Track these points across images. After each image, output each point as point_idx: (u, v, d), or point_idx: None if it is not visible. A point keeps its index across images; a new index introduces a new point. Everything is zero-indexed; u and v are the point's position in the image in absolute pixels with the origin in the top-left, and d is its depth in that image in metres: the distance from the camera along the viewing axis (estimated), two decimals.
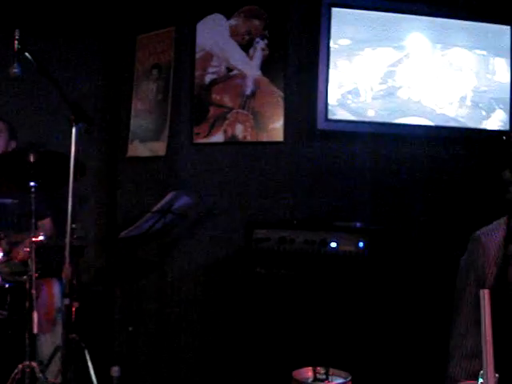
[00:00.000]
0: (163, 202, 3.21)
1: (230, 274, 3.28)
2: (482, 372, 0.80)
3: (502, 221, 1.64)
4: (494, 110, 3.34)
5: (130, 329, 3.43)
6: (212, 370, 3.40)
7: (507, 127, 3.36)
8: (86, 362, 2.89)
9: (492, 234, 1.61)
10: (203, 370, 3.46)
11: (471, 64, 3.35)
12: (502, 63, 3.36)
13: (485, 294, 0.83)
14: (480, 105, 3.32)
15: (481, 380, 0.80)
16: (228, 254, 3.39)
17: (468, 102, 3.33)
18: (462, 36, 3.33)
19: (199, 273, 3.53)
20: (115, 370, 3.16)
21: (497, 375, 0.79)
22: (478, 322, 1.55)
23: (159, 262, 3.65)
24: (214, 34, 3.52)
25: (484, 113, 3.33)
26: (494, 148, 3.47)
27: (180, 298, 3.61)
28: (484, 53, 3.36)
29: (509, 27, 3.37)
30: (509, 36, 3.36)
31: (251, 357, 2.84)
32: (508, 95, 3.35)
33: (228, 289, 3.29)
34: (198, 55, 3.54)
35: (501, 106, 3.33)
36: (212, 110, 3.47)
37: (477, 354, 1.53)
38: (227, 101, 3.43)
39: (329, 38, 3.17)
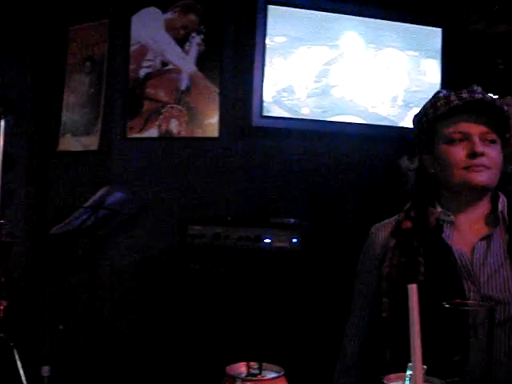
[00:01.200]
0: (95, 197, 3.16)
1: (164, 271, 3.25)
2: (410, 364, 0.81)
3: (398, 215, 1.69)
4: None
5: (61, 327, 3.35)
6: (146, 368, 3.37)
7: None
8: (15, 362, 2.81)
9: (383, 228, 1.66)
10: (137, 367, 3.42)
11: (403, 64, 3.42)
12: (432, 64, 3.45)
13: (413, 288, 0.84)
14: (411, 104, 3.40)
15: (409, 371, 0.82)
16: (162, 250, 3.35)
17: (399, 102, 3.41)
18: (395, 37, 3.41)
19: (132, 269, 3.48)
20: (45, 370, 3.08)
21: (425, 367, 0.81)
22: (363, 308, 1.63)
23: (91, 258, 3.58)
24: (149, 28, 3.47)
25: (415, 112, 3.41)
26: None
27: (112, 295, 3.55)
28: (416, 54, 3.44)
29: (440, 29, 3.46)
30: (440, 38, 3.45)
31: (185, 353, 2.82)
32: None
33: (162, 285, 3.26)
34: (132, 48, 3.48)
35: None
36: (146, 105, 3.43)
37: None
38: (162, 95, 3.39)
39: (265, 35, 3.18)
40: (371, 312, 1.60)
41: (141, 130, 3.44)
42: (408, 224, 1.59)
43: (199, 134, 3.36)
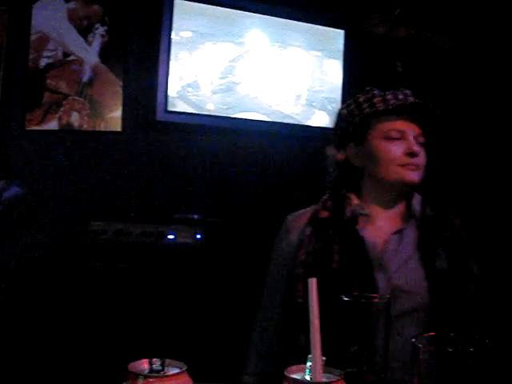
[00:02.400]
0: None
1: (65, 268, 3.16)
2: (310, 356, 0.83)
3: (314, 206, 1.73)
4: (326, 108, 3.51)
5: None
6: (47, 367, 3.26)
7: None
8: None
9: (299, 217, 1.69)
10: (37, 367, 3.31)
11: (307, 64, 3.49)
12: (335, 65, 3.53)
13: (312, 282, 0.86)
14: (314, 103, 3.48)
15: (309, 363, 0.83)
16: (62, 247, 3.26)
17: (303, 101, 3.47)
18: (299, 37, 3.46)
19: (31, 267, 3.36)
20: None
21: (324, 358, 0.83)
22: (277, 291, 1.66)
23: None
24: (50, 17, 3.35)
25: (317, 111, 3.49)
26: (326, 145, 3.65)
27: (9, 294, 3.42)
28: (319, 54, 3.51)
29: (342, 31, 3.55)
30: (342, 39, 3.55)
31: (88, 352, 2.76)
32: (339, 95, 3.54)
33: (62, 283, 3.16)
34: (32, 38, 3.36)
35: (333, 105, 3.51)
36: (46, 96, 3.31)
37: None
38: (63, 87, 3.29)
39: (170, 29, 3.15)
40: (285, 298, 1.63)
41: (40, 123, 3.32)
42: (325, 214, 1.63)
43: (101, 127, 3.28)
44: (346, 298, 1.01)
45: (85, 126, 3.28)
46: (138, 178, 3.28)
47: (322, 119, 3.51)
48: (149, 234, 2.83)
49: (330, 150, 1.79)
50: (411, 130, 1.60)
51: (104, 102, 3.27)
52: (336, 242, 1.55)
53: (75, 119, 3.27)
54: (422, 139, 1.61)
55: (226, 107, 3.29)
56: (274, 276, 1.72)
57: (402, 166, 1.57)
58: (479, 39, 3.95)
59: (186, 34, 3.21)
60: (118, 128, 3.27)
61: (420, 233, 1.61)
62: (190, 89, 3.23)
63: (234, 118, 3.31)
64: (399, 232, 1.61)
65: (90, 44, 3.29)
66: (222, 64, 3.30)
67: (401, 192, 1.65)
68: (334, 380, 0.82)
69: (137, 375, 0.84)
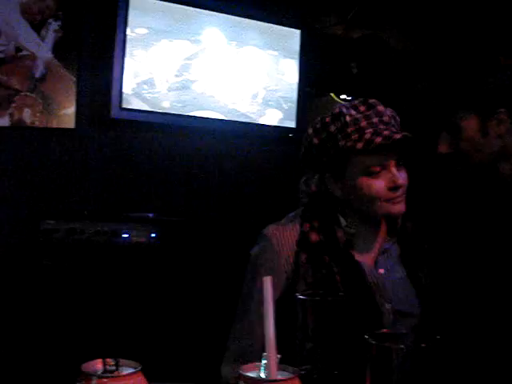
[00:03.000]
0: None
1: (16, 268, 3.09)
2: (265, 354, 0.83)
3: (294, 216, 1.65)
4: (282, 107, 3.52)
5: None
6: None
7: (293, 125, 3.57)
8: None
9: (284, 236, 1.58)
10: None
11: (263, 63, 3.50)
12: (291, 64, 3.55)
13: (267, 281, 0.86)
14: (270, 102, 3.49)
15: (264, 360, 0.83)
16: (13, 246, 3.19)
17: (259, 100, 3.48)
18: (256, 36, 3.47)
19: None
20: None
21: (279, 356, 0.83)
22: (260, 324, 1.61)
23: None
24: (3, 11, 3.28)
25: (273, 110, 3.50)
26: (282, 144, 3.68)
27: None
28: (275, 53, 3.53)
29: (299, 31, 3.58)
30: (298, 39, 3.57)
31: (40, 352, 2.71)
32: (295, 95, 3.56)
33: (13, 284, 3.10)
34: None
35: (288, 104, 3.53)
36: None
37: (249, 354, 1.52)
38: (15, 82, 3.22)
39: (126, 26, 3.11)
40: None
41: None
42: (315, 237, 1.55)
43: (54, 124, 3.23)
44: (300, 296, 1.01)
45: (37, 123, 3.22)
46: (92, 176, 3.23)
47: (278, 118, 3.53)
48: (103, 232, 2.80)
49: (304, 183, 1.71)
50: (392, 159, 1.51)
51: (57, 99, 3.22)
52: (336, 271, 1.50)
53: (27, 116, 3.21)
54: (401, 162, 1.54)
55: (181, 105, 3.27)
56: (254, 296, 1.58)
57: (387, 201, 1.51)
58: (432, 40, 4.02)
59: (142, 31, 3.18)
60: (72, 125, 3.22)
61: (402, 248, 1.62)
62: (145, 86, 3.20)
63: (190, 116, 3.30)
64: (385, 252, 1.61)
65: (43, 39, 3.23)
66: (178, 62, 3.28)
67: (386, 219, 1.62)
68: (289, 377, 0.82)
69: (90, 376, 0.82)
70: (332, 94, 4.70)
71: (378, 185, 1.50)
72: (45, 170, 3.23)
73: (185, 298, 2.83)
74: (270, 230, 1.62)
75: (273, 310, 0.85)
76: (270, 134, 3.57)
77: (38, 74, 3.22)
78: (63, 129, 3.23)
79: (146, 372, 0.87)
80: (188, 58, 3.30)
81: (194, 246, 3.03)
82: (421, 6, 3.74)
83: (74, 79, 3.22)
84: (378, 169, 1.50)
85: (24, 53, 3.23)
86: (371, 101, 1.60)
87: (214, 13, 3.36)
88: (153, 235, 2.79)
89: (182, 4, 3.26)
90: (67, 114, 3.22)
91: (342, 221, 1.59)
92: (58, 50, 3.22)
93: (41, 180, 3.22)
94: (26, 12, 3.25)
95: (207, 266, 3.08)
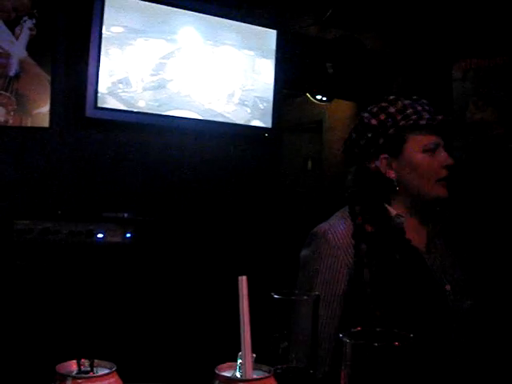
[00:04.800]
0: None
1: None
2: (240, 353, 0.83)
3: (341, 215, 1.67)
4: (258, 107, 3.53)
5: None
6: None
7: (269, 124, 3.58)
8: None
9: (338, 232, 1.61)
10: None
11: (239, 63, 3.50)
12: (267, 64, 3.56)
13: (243, 280, 0.86)
14: (246, 102, 3.49)
15: (240, 360, 0.83)
16: None
17: (235, 99, 3.48)
18: (232, 35, 3.48)
19: None
20: None
21: (254, 355, 0.83)
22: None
23: None
24: None
25: (249, 110, 3.51)
26: (258, 143, 3.69)
27: None
28: (251, 53, 3.53)
29: (275, 31, 3.58)
30: (274, 39, 3.58)
31: (14, 354, 2.68)
32: (271, 95, 3.57)
33: None
34: None
35: (264, 104, 3.54)
36: None
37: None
38: None
39: (101, 24, 3.10)
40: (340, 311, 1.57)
41: None
42: (370, 228, 1.59)
43: (28, 123, 3.19)
44: (275, 296, 1.02)
45: (11, 122, 3.18)
46: (66, 176, 3.21)
47: (254, 118, 3.54)
48: (77, 232, 2.78)
49: (353, 160, 1.74)
50: (441, 140, 1.64)
51: (31, 97, 3.18)
52: (398, 258, 1.55)
53: (1, 114, 3.17)
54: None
55: (157, 104, 3.26)
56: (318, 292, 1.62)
57: (439, 181, 1.61)
58: (407, 40, 4.06)
59: (118, 30, 3.16)
60: (46, 124, 3.19)
61: (447, 235, 1.70)
62: (120, 85, 3.18)
63: (166, 116, 3.29)
64: (432, 239, 1.68)
65: (17, 37, 3.19)
66: (154, 61, 3.27)
67: (429, 204, 1.67)
68: (263, 376, 0.82)
69: (65, 376, 0.82)
70: (308, 94, 4.72)
71: (434, 161, 1.61)
72: (19, 169, 3.20)
73: (159, 297, 2.82)
74: (322, 228, 1.65)
75: (248, 309, 0.85)
76: (246, 134, 3.58)
77: (11, 73, 3.18)
78: (37, 128, 3.20)
79: (121, 373, 0.87)
80: (164, 57, 3.29)
81: (169, 245, 3.02)
82: (396, 7, 3.78)
83: (49, 78, 3.19)
84: (433, 147, 1.62)
85: None
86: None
87: (191, 12, 3.36)
88: (127, 235, 2.78)
89: (158, 3, 3.25)
90: (41, 113, 3.19)
91: (392, 211, 1.64)
92: (32, 48, 3.19)
93: (14, 179, 3.19)
94: (0, 10, 3.22)
95: (182, 265, 3.08)
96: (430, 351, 1.42)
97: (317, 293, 1.06)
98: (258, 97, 3.53)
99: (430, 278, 1.58)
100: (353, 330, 0.83)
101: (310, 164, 6.47)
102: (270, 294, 1.03)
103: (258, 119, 3.55)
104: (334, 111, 5.23)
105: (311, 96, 4.74)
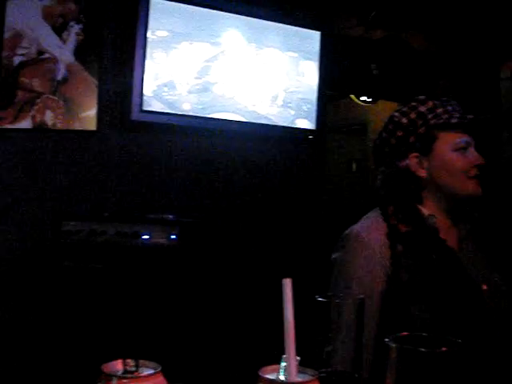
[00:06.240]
0: None
1: (37, 269, 3.12)
2: (284, 356, 0.83)
3: (372, 214, 1.68)
4: (301, 109, 3.52)
5: None
6: (21, 370, 3.22)
7: (313, 126, 3.56)
8: None
9: (371, 233, 1.61)
10: (8, 367, 3.27)
11: (283, 65, 3.50)
12: (311, 66, 3.55)
13: (287, 283, 0.86)
14: (290, 104, 3.49)
15: (283, 363, 0.83)
16: (35, 248, 3.22)
17: (279, 102, 3.48)
18: (276, 38, 3.47)
19: (4, 267, 3.32)
20: None
21: (298, 358, 0.83)
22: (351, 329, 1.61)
23: None
24: (25, 14, 3.31)
25: (293, 112, 3.50)
26: (301, 145, 3.68)
27: None
28: (295, 55, 3.52)
29: (319, 33, 3.57)
30: (318, 41, 3.56)
31: (61, 353, 2.73)
32: (315, 96, 3.55)
33: (36, 284, 3.13)
34: (6, 35, 3.32)
35: (308, 105, 3.52)
36: (20, 94, 3.27)
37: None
38: (37, 85, 3.25)
39: (146, 28, 3.13)
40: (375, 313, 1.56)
41: (13, 121, 3.28)
42: (404, 228, 1.60)
43: (76, 126, 3.25)
44: (320, 299, 1.01)
45: (59, 125, 3.25)
46: (113, 178, 3.25)
47: (298, 120, 3.53)
48: (123, 234, 2.81)
49: (382, 160, 1.75)
50: (471, 140, 1.64)
51: (78, 101, 3.24)
52: (435, 258, 1.55)
53: (49, 118, 3.24)
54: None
55: (201, 107, 3.28)
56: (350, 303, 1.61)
57: (470, 178, 1.61)
58: (453, 40, 4.00)
59: (162, 34, 3.19)
60: (93, 127, 3.24)
61: (477, 235, 1.68)
62: (165, 88, 3.21)
63: (210, 118, 3.31)
64: (463, 240, 1.66)
65: (64, 42, 3.26)
66: (198, 64, 3.29)
67: (461, 202, 1.67)
68: (308, 380, 0.82)
69: (110, 376, 0.83)
70: (352, 96, 4.69)
71: (464, 160, 1.61)
72: (66, 171, 3.26)
73: (204, 298, 2.84)
74: (355, 229, 1.65)
75: (292, 311, 0.85)
76: (290, 136, 3.57)
77: (59, 77, 3.24)
78: (84, 131, 3.25)
79: (165, 373, 0.87)
80: (208, 60, 3.31)
81: (214, 247, 3.03)
82: (441, 7, 3.72)
83: (96, 82, 3.24)
84: (464, 145, 1.62)
85: (46, 56, 3.26)
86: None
87: (234, 15, 3.37)
88: (173, 236, 2.79)
89: (202, 6, 3.27)
90: (88, 116, 3.24)
91: (424, 211, 1.64)
92: (79, 52, 3.25)
93: (62, 181, 3.25)
94: (48, 15, 3.29)
95: (226, 267, 3.08)
96: (473, 354, 1.40)
97: (362, 296, 1.05)
98: (301, 98, 3.52)
99: (468, 278, 1.56)
100: (399, 334, 0.81)
101: (354, 166, 6.42)
102: (314, 296, 1.02)
103: (302, 121, 3.53)
104: (378, 112, 5.18)
105: (356, 97, 4.71)
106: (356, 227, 1.65)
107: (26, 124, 3.26)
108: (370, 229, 1.62)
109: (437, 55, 4.19)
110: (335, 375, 0.97)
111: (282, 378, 0.83)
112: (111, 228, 2.81)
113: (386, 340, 0.79)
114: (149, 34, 3.14)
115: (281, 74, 3.49)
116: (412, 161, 1.66)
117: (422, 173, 1.65)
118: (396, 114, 1.70)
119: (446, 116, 1.61)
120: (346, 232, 1.66)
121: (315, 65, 3.55)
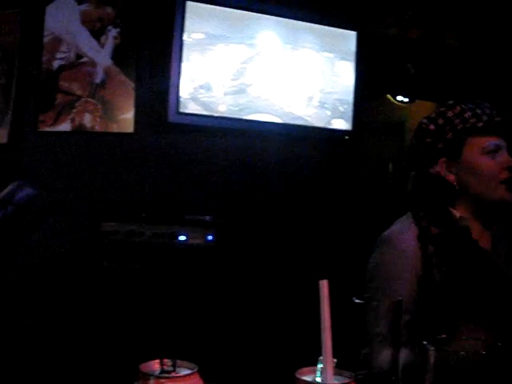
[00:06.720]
0: (4, 192, 3.04)
1: (77, 269, 3.17)
2: (321, 357, 0.83)
3: (405, 218, 1.69)
4: (338, 110, 3.50)
5: None
6: (59, 368, 3.27)
7: (350, 127, 3.54)
8: None
9: (403, 236, 1.63)
10: (48, 366, 3.32)
11: (318, 65, 3.48)
12: (347, 66, 3.53)
13: (324, 284, 0.86)
14: (326, 105, 3.47)
15: (320, 365, 0.83)
16: (74, 247, 3.27)
17: (315, 102, 3.47)
18: (311, 38, 3.46)
19: (43, 268, 3.38)
20: None
21: (335, 360, 0.83)
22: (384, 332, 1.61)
23: None
24: (63, 19, 3.37)
25: (329, 113, 3.48)
26: (338, 146, 3.66)
27: (22, 295, 3.43)
28: (331, 56, 3.51)
29: (355, 33, 3.55)
30: (354, 41, 3.54)
31: (99, 352, 2.77)
32: (351, 97, 3.53)
33: (74, 284, 3.17)
34: (45, 40, 3.38)
35: (344, 106, 3.51)
36: (59, 98, 3.33)
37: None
38: (76, 88, 3.31)
39: (182, 31, 3.15)
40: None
41: (53, 124, 3.34)
42: (435, 230, 1.60)
43: (114, 128, 3.29)
44: (357, 300, 1.01)
45: (97, 128, 3.30)
46: (150, 179, 3.29)
47: (334, 120, 3.51)
48: (160, 234, 2.83)
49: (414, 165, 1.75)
50: (503, 143, 1.63)
51: (116, 104, 3.28)
52: (468, 259, 1.55)
53: (88, 121, 3.29)
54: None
55: (237, 109, 3.29)
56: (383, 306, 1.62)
57: (501, 183, 1.59)
58: (490, 39, 3.93)
59: (198, 36, 3.21)
60: (131, 129, 3.28)
61: (509, 240, 1.66)
62: (201, 90, 3.23)
63: (246, 120, 3.31)
64: (497, 242, 1.66)
65: (102, 46, 3.30)
66: (234, 65, 3.30)
67: (492, 207, 1.65)
68: (345, 382, 0.82)
69: (148, 376, 0.84)
70: (388, 96, 4.65)
71: (495, 163, 1.59)
72: (105, 173, 3.30)
73: (241, 299, 2.84)
74: (388, 233, 1.67)
75: (329, 313, 0.85)
76: (326, 137, 3.56)
77: (97, 80, 3.29)
78: (122, 133, 3.29)
79: (202, 373, 0.88)
80: (244, 62, 3.32)
81: (250, 248, 3.04)
82: (478, 6, 3.67)
83: (133, 84, 3.28)
84: (494, 148, 1.60)
85: (84, 59, 3.31)
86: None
87: (269, 16, 3.37)
88: (209, 237, 2.81)
89: (237, 9, 3.28)
90: (126, 119, 3.28)
91: (456, 213, 1.64)
92: (117, 56, 3.29)
93: (101, 183, 3.29)
94: (85, 20, 3.34)
95: (262, 268, 3.09)
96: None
97: (399, 298, 1.05)
98: (337, 99, 3.50)
99: (502, 279, 1.55)
100: (437, 337, 0.81)
101: (390, 167, 6.36)
102: (350, 298, 1.02)
103: (338, 122, 3.52)
104: (416, 112, 5.12)
105: (392, 97, 4.67)
106: (388, 231, 1.68)
107: (65, 127, 3.32)
108: (402, 232, 1.64)
109: (474, 54, 4.13)
110: (372, 377, 0.97)
111: (318, 379, 0.83)
112: (149, 229, 2.85)
113: (425, 343, 0.78)
114: (185, 37, 3.16)
115: (316, 75, 3.47)
116: (441, 166, 1.66)
117: (451, 178, 1.64)
118: (424, 120, 1.70)
119: (474, 120, 1.60)
120: (380, 237, 1.68)
121: (351, 65, 3.53)
